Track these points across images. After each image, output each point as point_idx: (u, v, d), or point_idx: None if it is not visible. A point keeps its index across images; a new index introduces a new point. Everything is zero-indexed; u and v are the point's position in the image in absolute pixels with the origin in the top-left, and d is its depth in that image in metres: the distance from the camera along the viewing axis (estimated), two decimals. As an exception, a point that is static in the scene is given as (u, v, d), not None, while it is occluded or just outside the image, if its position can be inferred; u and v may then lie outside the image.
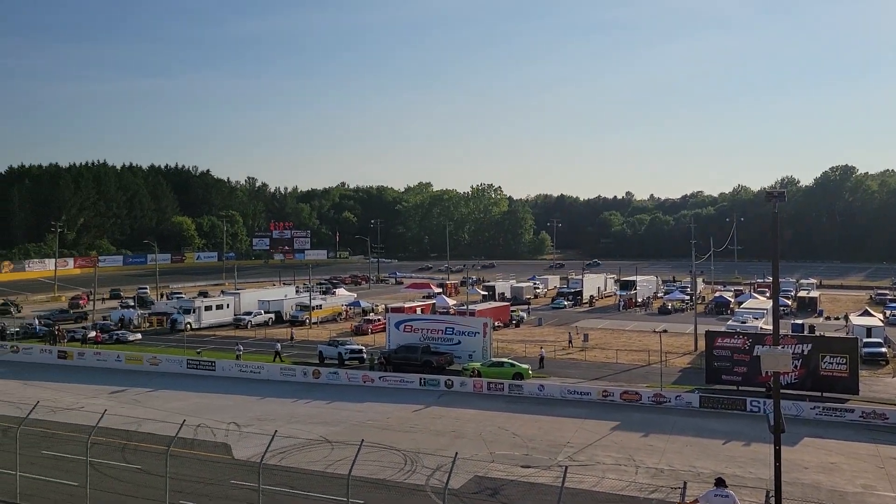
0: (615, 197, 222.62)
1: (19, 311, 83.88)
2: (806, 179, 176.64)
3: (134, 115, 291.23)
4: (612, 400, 40.13)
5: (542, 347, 53.17)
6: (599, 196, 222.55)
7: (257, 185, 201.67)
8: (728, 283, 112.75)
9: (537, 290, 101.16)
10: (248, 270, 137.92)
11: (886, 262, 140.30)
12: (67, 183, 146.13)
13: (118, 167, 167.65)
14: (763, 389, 39.52)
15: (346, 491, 19.56)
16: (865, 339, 52.52)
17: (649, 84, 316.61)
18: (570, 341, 59.52)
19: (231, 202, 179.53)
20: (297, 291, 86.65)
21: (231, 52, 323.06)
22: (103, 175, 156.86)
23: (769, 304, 61.91)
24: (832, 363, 40.29)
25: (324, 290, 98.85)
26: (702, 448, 31.04)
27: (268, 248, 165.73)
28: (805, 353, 40.69)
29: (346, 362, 50.49)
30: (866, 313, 64.62)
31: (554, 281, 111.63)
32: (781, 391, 23.51)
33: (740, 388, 41.29)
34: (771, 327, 25.98)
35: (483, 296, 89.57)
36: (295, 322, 71.49)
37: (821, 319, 74.32)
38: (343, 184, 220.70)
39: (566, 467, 20.04)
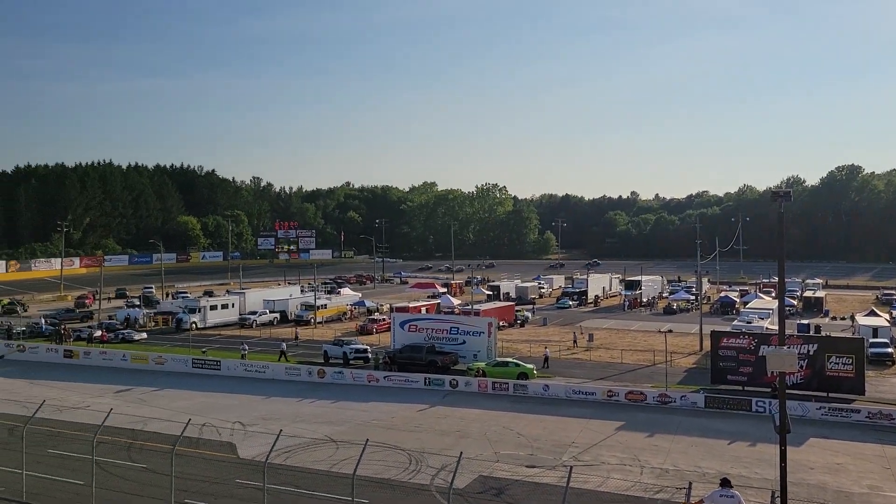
0: (620, 197, 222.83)
1: (25, 311, 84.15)
2: (812, 179, 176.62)
3: (139, 115, 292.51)
4: (616, 400, 40.08)
5: (546, 347, 53.16)
6: (604, 196, 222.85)
7: (262, 184, 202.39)
8: (733, 283, 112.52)
9: (542, 290, 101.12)
10: (254, 270, 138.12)
11: (893, 262, 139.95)
12: (73, 183, 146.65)
13: (124, 167, 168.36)
14: (769, 390, 39.42)
15: (350, 490, 19.56)
16: (872, 340, 52.34)
17: (654, 83, 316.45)
18: (574, 341, 59.47)
19: (236, 202, 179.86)
20: (301, 291, 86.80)
21: (236, 52, 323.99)
22: (109, 175, 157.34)
23: (775, 304, 61.78)
24: (838, 363, 40.17)
25: (329, 289, 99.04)
26: (707, 448, 30.97)
27: (273, 247, 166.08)
28: (811, 353, 40.57)
29: (351, 362, 50.52)
30: (872, 313, 64.38)
31: (559, 281, 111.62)
32: (787, 391, 23.45)
33: (746, 388, 41.19)
34: (777, 327, 25.94)
35: (488, 295, 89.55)
36: (300, 321, 71.60)
37: (827, 319, 74.09)
38: (348, 183, 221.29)
39: (571, 467, 20.04)
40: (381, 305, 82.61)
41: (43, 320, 68.66)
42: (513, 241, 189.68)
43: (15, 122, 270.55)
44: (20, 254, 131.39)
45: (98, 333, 61.53)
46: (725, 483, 18.61)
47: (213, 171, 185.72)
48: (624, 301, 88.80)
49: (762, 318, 59.55)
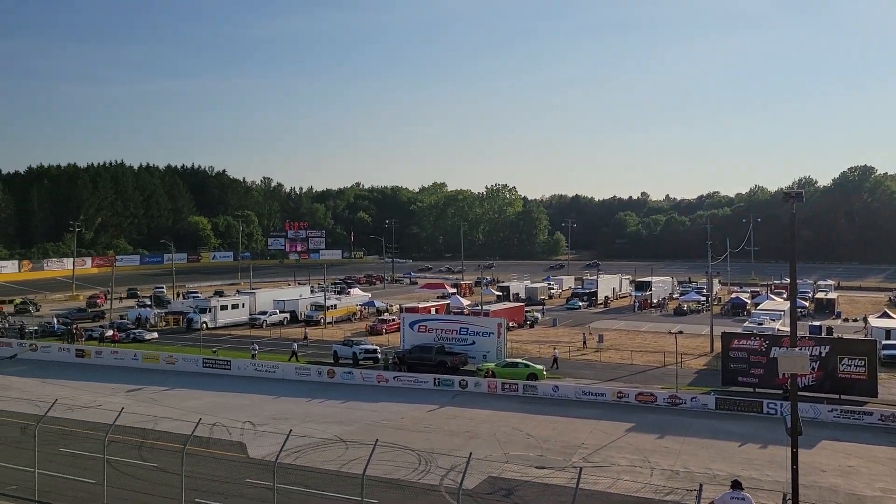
0: (630, 197, 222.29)
1: (38, 310, 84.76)
2: (824, 180, 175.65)
3: (151, 116, 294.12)
4: (626, 401, 39.96)
5: (555, 348, 53.06)
6: (615, 196, 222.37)
7: (273, 185, 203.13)
8: (744, 284, 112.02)
9: (552, 291, 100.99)
10: (264, 270, 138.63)
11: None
12: (85, 183, 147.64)
13: (135, 167, 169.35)
14: (780, 392, 39.19)
15: (360, 490, 19.59)
16: (884, 342, 51.95)
17: (666, 84, 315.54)
18: (584, 342, 59.34)
19: (247, 202, 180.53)
20: (311, 291, 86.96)
21: (247, 53, 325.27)
22: (121, 175, 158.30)
23: (786, 305, 61.43)
24: (850, 365, 39.89)
25: (338, 289, 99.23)
26: (718, 450, 30.83)
27: (283, 247, 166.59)
28: (823, 355, 40.31)
29: (361, 362, 50.59)
30: (885, 315, 63.93)
31: (569, 282, 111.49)
32: (799, 393, 23.32)
33: (757, 390, 40.96)
34: (788, 329, 25.81)
35: (497, 296, 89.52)
36: (310, 322, 71.77)
37: (839, 321, 73.60)
38: (358, 184, 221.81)
39: (581, 468, 19.98)
40: (391, 306, 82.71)
41: (55, 320, 69.11)
42: (522, 242, 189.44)
43: (28, 122, 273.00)
44: (33, 253, 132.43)
45: (109, 333, 61.90)
46: (736, 485, 18.51)
47: (224, 171, 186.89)
48: (634, 302, 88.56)
49: (773, 320, 59.24)
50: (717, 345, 48.83)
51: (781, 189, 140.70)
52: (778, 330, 52.50)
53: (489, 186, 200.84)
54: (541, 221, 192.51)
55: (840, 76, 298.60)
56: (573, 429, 34.27)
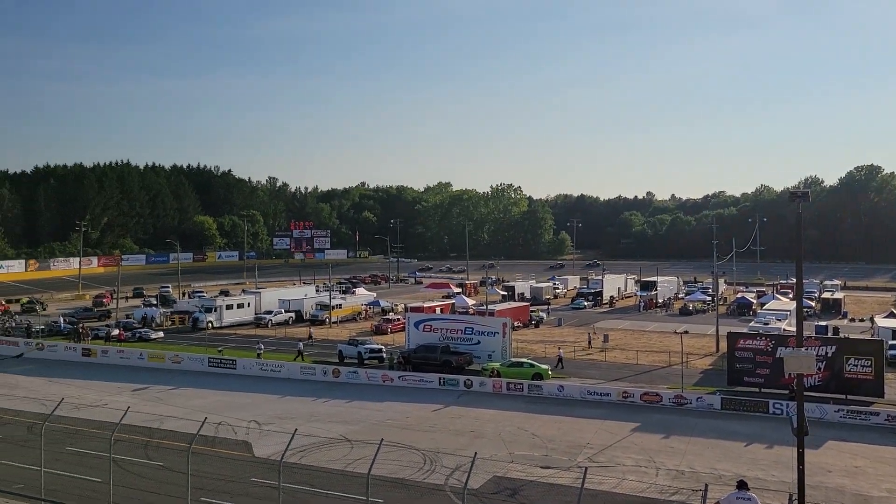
0: (636, 197, 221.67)
1: (44, 309, 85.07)
2: (830, 179, 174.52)
3: (156, 116, 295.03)
4: (632, 401, 39.90)
5: (559, 348, 52.97)
6: (620, 196, 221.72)
7: (278, 184, 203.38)
8: (750, 284, 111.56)
9: (557, 291, 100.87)
10: (269, 270, 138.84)
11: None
12: (92, 183, 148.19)
13: (141, 167, 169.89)
14: (786, 392, 39.05)
15: (365, 490, 19.59)
16: (891, 342, 51.63)
17: (671, 83, 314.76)
18: (589, 342, 59.27)
19: (252, 202, 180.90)
20: (317, 291, 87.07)
21: (252, 53, 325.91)
22: (127, 175, 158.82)
23: (792, 305, 61.25)
24: (857, 365, 39.76)
25: (343, 289, 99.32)
26: (723, 450, 30.77)
27: (288, 247, 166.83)
28: (829, 355, 40.19)
29: (366, 362, 50.64)
30: (892, 315, 63.77)
31: (574, 281, 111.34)
32: (805, 393, 23.25)
33: (763, 390, 40.85)
34: (794, 329, 25.72)
35: (502, 296, 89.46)
36: (315, 321, 71.85)
37: (845, 321, 73.32)
38: (363, 184, 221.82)
39: (586, 468, 19.93)
40: (396, 305, 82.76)
41: (61, 319, 69.37)
42: (527, 242, 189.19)
43: (34, 122, 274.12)
44: (39, 253, 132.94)
45: (115, 332, 62.10)
46: (742, 486, 18.45)
47: (230, 171, 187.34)
48: (639, 302, 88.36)
49: (779, 320, 59.07)
50: (723, 345, 48.71)
51: (787, 189, 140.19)
52: (784, 330, 52.38)
53: (494, 186, 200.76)
54: (546, 221, 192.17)
55: (843, 75, 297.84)
56: (578, 428, 34.24)
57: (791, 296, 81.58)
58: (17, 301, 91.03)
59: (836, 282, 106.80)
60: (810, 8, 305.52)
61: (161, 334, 63.97)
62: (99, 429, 31.21)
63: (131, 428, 30.17)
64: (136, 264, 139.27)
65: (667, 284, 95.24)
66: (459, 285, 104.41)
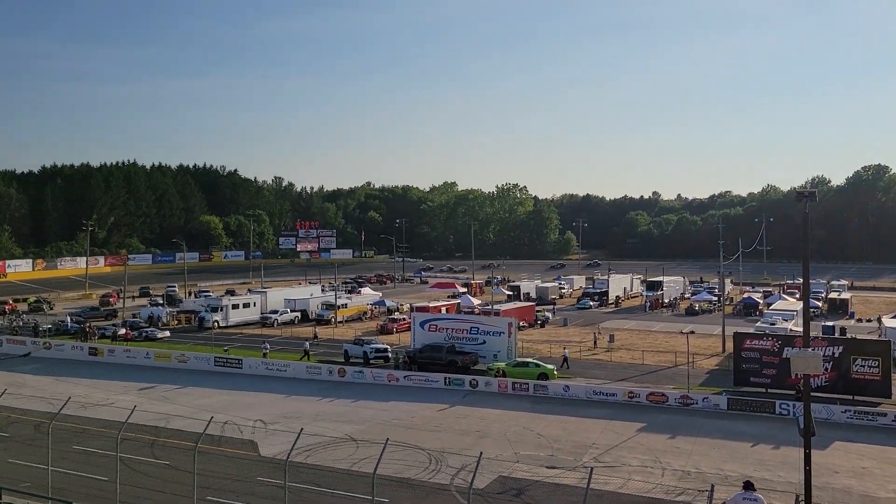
0: (642, 197, 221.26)
1: (51, 309, 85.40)
2: (837, 179, 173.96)
3: (163, 116, 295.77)
4: (638, 401, 39.83)
5: (565, 348, 52.87)
6: (626, 196, 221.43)
7: (284, 184, 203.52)
8: (757, 284, 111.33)
9: (562, 291, 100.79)
10: (275, 269, 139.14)
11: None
12: (98, 182, 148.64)
13: (147, 167, 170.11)
14: (793, 392, 38.95)
15: (371, 489, 19.63)
16: (898, 342, 51.48)
17: (677, 82, 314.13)
18: (595, 342, 59.18)
19: (258, 201, 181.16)
20: (322, 290, 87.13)
21: (258, 53, 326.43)
22: (133, 175, 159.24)
23: (799, 305, 61.03)
24: (864, 366, 39.60)
25: (349, 289, 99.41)
26: (730, 451, 30.69)
27: (294, 247, 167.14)
28: (836, 355, 40.03)
29: (372, 361, 50.67)
30: (899, 315, 63.43)
31: (580, 281, 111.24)
32: (812, 394, 23.17)
33: (769, 390, 40.73)
34: (801, 329, 25.67)
35: (508, 296, 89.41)
36: (320, 321, 71.93)
37: (852, 321, 73.04)
38: (368, 183, 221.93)
39: (591, 468, 19.93)
40: (402, 305, 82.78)
41: (68, 318, 69.57)
42: (533, 242, 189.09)
43: (41, 122, 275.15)
44: (46, 252, 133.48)
45: (122, 331, 62.31)
46: (748, 486, 18.43)
47: (236, 170, 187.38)
48: (645, 302, 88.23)
49: (786, 320, 58.84)
50: (729, 345, 48.60)
51: (794, 188, 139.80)
52: (790, 330, 52.17)
53: (500, 186, 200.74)
54: (551, 221, 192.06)
55: (847, 75, 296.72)
56: (584, 429, 34.20)
57: (798, 296, 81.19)
58: (25, 300, 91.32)
59: (844, 282, 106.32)
60: (819, 6, 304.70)
61: (167, 333, 64.15)
62: (106, 428, 31.36)
63: (138, 427, 30.24)
64: (142, 264, 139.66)
65: (673, 284, 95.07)
66: (465, 285, 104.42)
